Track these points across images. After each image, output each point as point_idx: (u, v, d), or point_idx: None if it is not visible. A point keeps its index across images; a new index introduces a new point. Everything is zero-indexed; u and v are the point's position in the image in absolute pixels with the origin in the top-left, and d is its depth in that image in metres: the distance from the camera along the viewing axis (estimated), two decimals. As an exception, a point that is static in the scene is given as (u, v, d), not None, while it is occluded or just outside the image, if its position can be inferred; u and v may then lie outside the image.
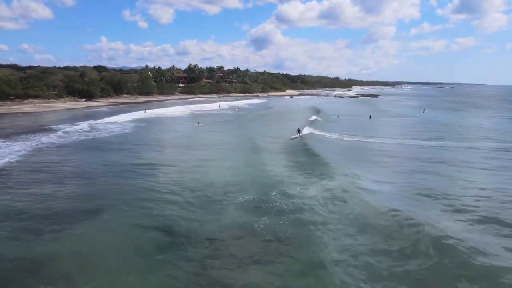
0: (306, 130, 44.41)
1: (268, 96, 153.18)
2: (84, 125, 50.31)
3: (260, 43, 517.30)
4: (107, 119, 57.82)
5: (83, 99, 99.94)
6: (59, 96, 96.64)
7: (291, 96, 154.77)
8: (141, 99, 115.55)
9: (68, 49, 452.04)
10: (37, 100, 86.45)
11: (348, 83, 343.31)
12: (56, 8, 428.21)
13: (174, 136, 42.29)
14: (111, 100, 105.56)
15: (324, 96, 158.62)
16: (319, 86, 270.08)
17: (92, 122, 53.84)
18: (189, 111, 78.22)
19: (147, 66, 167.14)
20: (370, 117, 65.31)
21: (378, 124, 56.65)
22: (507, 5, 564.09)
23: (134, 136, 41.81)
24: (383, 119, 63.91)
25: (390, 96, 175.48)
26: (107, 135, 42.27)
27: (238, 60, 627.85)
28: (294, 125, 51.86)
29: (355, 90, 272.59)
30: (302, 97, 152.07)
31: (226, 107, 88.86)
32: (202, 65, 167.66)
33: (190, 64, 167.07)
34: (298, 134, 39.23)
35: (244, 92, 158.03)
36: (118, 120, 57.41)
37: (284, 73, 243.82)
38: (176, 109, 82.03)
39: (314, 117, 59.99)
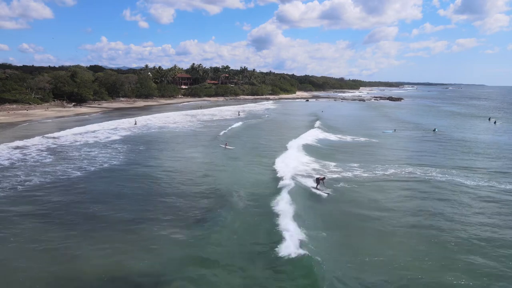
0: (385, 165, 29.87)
1: (280, 99, 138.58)
2: (40, 148, 35.68)
3: (260, 43, 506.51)
4: (84, 136, 43.17)
5: (71, 104, 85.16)
6: (44, 101, 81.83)
7: (307, 99, 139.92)
8: (140, 103, 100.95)
9: (68, 49, 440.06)
10: (14, 106, 71.69)
11: (354, 84, 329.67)
12: (57, 7, 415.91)
13: (195, 179, 25.25)
14: (105, 104, 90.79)
15: (341, 99, 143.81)
16: (326, 87, 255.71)
17: (60, 141, 39.20)
18: (198, 120, 63.62)
19: (146, 65, 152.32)
20: (434, 130, 50.76)
21: (457, 144, 41.90)
22: (510, 5, 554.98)
23: (120, 183, 24.23)
24: (455, 134, 48.97)
25: (413, 99, 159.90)
26: (65, 184, 23.49)
27: (238, 60, 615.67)
28: (359, 150, 38.05)
29: (365, 91, 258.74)
30: (318, 100, 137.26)
31: (243, 114, 74.01)
32: (202, 65, 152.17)
33: (194, 64, 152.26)
34: (317, 185, 22.81)
35: (253, 95, 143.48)
36: (101, 137, 42.67)
37: (285, 73, 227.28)
38: (182, 118, 67.49)
39: (363, 137, 45.41)
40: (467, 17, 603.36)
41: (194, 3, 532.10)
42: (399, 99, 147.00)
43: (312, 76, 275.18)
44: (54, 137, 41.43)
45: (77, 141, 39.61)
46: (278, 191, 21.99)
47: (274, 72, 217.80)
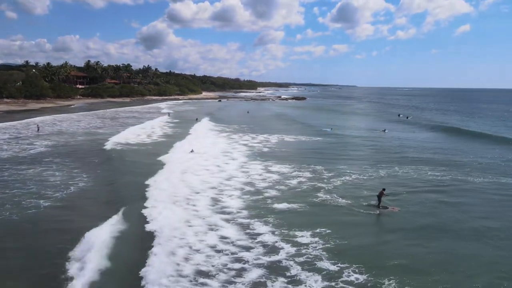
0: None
1: (189, 99, 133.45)
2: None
3: (151, 42, 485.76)
4: None
5: None
6: None
7: (219, 99, 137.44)
8: (34, 104, 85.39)
9: None
10: None
11: (251, 84, 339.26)
12: None
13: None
14: (-13, 108, 74.09)
15: (251, 99, 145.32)
16: (226, 87, 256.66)
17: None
18: (126, 124, 55.94)
19: (27, 62, 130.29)
20: (384, 130, 52.51)
21: (412, 142, 44.71)
22: (374, 17, 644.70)
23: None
24: (401, 135, 50.22)
25: (314, 98, 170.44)
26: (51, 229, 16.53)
27: (127, 59, 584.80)
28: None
29: (264, 91, 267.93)
30: (230, 100, 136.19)
31: (172, 117, 67.73)
32: (83, 63, 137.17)
33: (89, 61, 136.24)
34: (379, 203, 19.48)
35: (160, 95, 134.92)
36: (14, 149, 34.06)
37: (181, 73, 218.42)
38: (103, 121, 58.98)
39: (314, 136, 45.48)
40: (341, 25, 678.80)
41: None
42: (303, 98, 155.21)
43: (210, 77, 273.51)
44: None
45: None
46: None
47: (174, 72, 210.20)
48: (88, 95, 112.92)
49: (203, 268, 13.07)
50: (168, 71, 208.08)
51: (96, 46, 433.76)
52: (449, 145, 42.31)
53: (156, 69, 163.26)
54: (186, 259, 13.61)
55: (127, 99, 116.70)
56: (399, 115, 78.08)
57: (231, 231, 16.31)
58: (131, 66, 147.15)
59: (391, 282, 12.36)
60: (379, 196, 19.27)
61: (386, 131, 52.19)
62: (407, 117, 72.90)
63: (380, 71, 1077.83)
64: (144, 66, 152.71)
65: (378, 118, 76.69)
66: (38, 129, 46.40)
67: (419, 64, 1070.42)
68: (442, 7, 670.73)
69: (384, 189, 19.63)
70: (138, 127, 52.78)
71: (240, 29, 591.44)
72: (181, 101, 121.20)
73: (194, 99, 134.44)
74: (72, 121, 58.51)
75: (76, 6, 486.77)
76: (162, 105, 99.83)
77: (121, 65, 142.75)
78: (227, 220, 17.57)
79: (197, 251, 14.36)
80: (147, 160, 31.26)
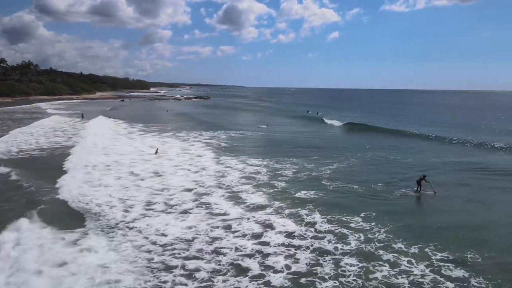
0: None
1: (86, 99, 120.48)
2: None
3: (15, 35, 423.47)
4: None
5: None
6: None
7: (122, 99, 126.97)
8: None
9: None
10: None
11: (142, 84, 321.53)
12: None
13: None
14: None
15: (154, 99, 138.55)
16: (118, 87, 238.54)
17: None
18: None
19: None
20: (330, 124, 56.88)
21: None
22: (258, 20, 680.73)
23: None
24: (335, 129, 54.46)
25: (219, 97, 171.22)
26: None
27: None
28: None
29: (159, 91, 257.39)
30: (132, 100, 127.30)
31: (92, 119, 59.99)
32: None
33: None
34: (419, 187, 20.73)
35: (48, 94, 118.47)
36: None
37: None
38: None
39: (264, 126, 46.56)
40: (228, 27, 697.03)
41: None
42: (208, 97, 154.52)
43: (99, 76, 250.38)
44: None
45: None
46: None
47: (56, 70, 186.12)
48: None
49: (297, 269, 12.33)
50: (48, 68, 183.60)
51: None
52: (374, 137, 47.34)
53: (37, 65, 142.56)
54: (270, 268, 12.39)
55: (8, 99, 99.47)
56: (308, 111, 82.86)
57: (291, 225, 15.77)
58: (6, 61, 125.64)
59: (472, 254, 13.23)
60: (419, 181, 20.38)
61: (329, 123, 57.30)
62: (317, 113, 77.60)
63: (265, 72, 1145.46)
64: (23, 61, 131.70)
65: (294, 115, 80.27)
66: None
67: (299, 66, 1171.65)
68: (316, 15, 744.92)
69: (424, 176, 20.64)
70: (57, 129, 46.04)
71: (124, 26, 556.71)
72: (77, 101, 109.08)
73: (90, 99, 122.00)
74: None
75: None
76: (48, 105, 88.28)
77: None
78: (277, 214, 16.92)
79: (271, 254, 13.36)
80: (104, 159, 27.53)
